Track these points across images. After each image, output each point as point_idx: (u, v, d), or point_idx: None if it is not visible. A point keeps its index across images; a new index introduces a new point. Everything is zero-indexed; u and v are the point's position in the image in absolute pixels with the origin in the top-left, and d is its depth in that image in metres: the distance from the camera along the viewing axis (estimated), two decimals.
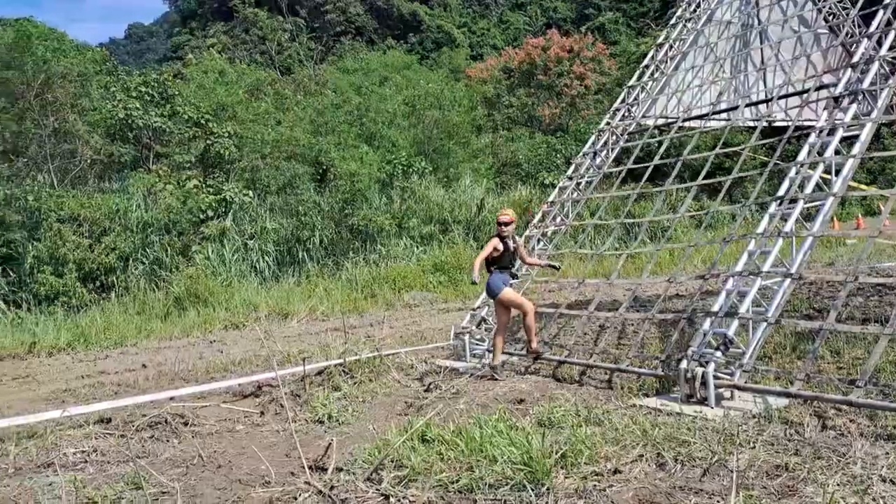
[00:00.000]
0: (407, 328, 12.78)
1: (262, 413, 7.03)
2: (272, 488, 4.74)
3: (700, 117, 11.23)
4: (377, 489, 4.38)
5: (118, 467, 5.55)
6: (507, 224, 8.28)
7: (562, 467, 4.47)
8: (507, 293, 8.17)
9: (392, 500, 4.20)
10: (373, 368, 8.26)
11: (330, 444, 5.10)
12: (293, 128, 22.20)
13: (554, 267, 9.09)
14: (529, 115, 34.19)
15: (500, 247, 8.20)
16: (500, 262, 8.24)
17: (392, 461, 4.77)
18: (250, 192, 18.96)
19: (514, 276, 8.59)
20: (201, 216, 17.47)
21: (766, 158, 16.52)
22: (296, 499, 4.48)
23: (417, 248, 19.25)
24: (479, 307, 9.61)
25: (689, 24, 11.82)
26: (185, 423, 6.63)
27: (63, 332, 13.19)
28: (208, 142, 19.29)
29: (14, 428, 6.84)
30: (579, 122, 31.40)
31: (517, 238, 8.59)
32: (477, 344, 9.09)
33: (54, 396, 8.87)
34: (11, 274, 15.53)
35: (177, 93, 19.56)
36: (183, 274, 15.54)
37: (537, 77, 34.52)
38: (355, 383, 7.87)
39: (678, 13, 12.04)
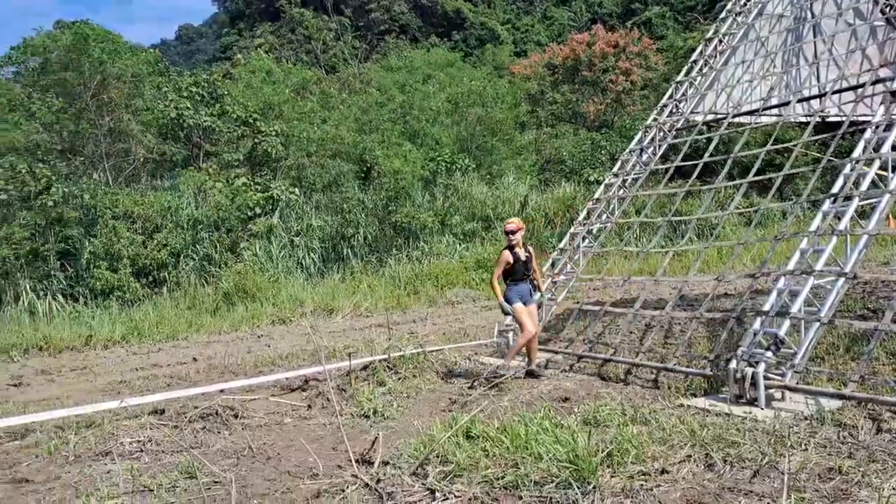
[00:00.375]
0: (450, 325, 12.83)
1: (310, 406, 7.16)
2: (320, 480, 4.83)
3: (750, 113, 10.97)
4: (423, 484, 4.42)
5: (172, 457, 5.73)
6: (513, 233, 7.87)
7: (608, 466, 4.45)
8: (517, 309, 7.75)
9: (438, 494, 4.24)
10: (417, 365, 8.33)
11: (376, 438, 5.18)
12: (338, 126, 22.44)
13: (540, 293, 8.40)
14: (574, 112, 33.88)
15: (511, 258, 7.87)
16: (514, 275, 7.89)
17: (437, 456, 4.82)
18: (296, 190, 19.25)
19: (534, 288, 8.08)
20: (249, 213, 17.82)
21: (818, 155, 16.06)
22: (343, 491, 4.56)
23: (460, 245, 19.29)
24: None
25: (739, 18, 11.56)
26: (235, 416, 6.79)
27: (118, 325, 13.62)
28: (256, 140, 19.65)
29: (73, 417, 7.11)
30: (625, 118, 30.98)
31: (529, 247, 8.18)
32: None
33: (110, 388, 9.18)
34: (69, 269, 16.10)
35: (226, 92, 19.98)
36: (231, 270, 15.88)
37: (582, 73, 34.18)
38: (399, 379, 7.95)
39: (728, 7, 11.78)
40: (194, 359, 10.93)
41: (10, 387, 9.66)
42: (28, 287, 14.94)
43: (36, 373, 10.66)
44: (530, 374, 7.93)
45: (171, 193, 18.04)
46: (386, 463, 4.95)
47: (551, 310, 9.81)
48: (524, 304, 7.81)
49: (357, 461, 4.94)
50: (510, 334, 8.95)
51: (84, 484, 5.15)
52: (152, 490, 4.84)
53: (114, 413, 7.22)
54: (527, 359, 8.06)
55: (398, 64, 36.02)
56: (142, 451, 5.89)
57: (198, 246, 17.11)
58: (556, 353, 8.68)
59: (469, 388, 7.35)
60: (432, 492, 4.29)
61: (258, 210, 18.06)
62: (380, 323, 13.13)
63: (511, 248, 7.87)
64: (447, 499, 4.18)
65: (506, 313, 7.90)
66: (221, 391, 8.06)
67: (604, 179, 11.17)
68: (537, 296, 8.14)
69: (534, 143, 29.88)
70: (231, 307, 15.04)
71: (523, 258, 7.90)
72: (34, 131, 17.59)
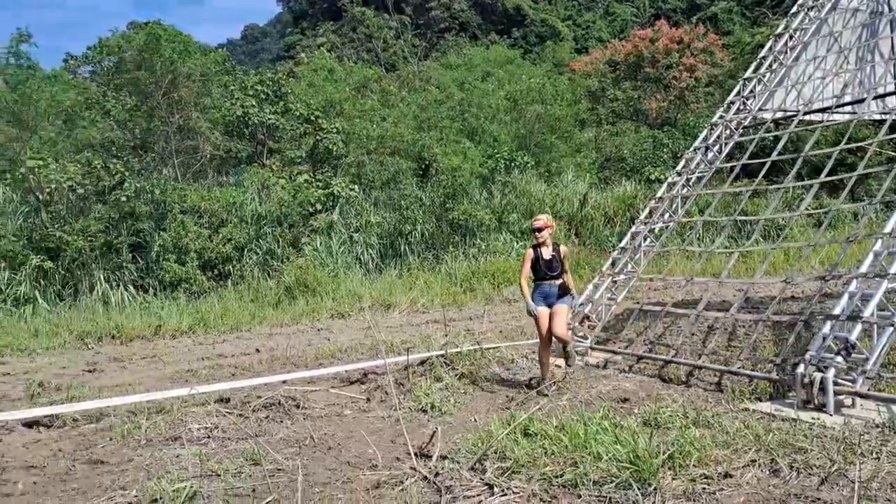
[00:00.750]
0: (506, 323, 12.82)
1: (369, 399, 7.28)
2: (379, 472, 4.92)
3: (822, 111, 10.59)
4: (481, 479, 4.46)
5: (237, 444, 5.92)
6: (539, 230, 7.42)
7: (669, 468, 4.39)
8: (540, 312, 7.35)
9: (496, 490, 4.26)
10: (473, 361, 8.37)
11: (435, 432, 5.24)
12: (397, 124, 22.65)
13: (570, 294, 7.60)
14: (635, 109, 33.29)
15: (533, 256, 7.46)
16: (536, 275, 7.46)
17: (495, 452, 4.84)
18: (356, 187, 19.53)
19: (564, 291, 7.40)
20: (310, 209, 18.17)
21: (894, 154, 15.38)
22: (402, 483, 4.64)
23: (517, 242, 19.22)
24: (582, 304, 9.52)
25: (811, 13, 11.16)
26: (297, 406, 6.97)
27: (185, 316, 14.08)
28: (318, 138, 20.01)
29: (145, 403, 7.41)
30: (688, 115, 30.28)
31: (561, 246, 7.59)
32: (579, 341, 9.01)
33: (178, 376, 9.52)
34: (140, 261, 16.74)
35: (289, 91, 20.43)
36: (293, 264, 16.23)
37: (644, 69, 33.55)
38: (456, 375, 8.00)
39: (800, 1, 11.38)
40: (257, 350, 11.23)
41: (86, 372, 10.11)
42: (102, 278, 15.60)
43: (109, 360, 11.12)
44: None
45: (235, 189, 18.54)
46: (444, 457, 5.01)
47: (611, 309, 9.70)
48: (548, 306, 7.34)
49: (416, 454, 5.01)
50: (568, 332, 8.88)
51: (155, 467, 5.37)
52: (219, 475, 5.02)
53: (182, 400, 7.49)
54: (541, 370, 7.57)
55: (457, 61, 36.11)
56: (209, 437, 6.10)
57: (261, 241, 17.54)
58: (616, 353, 8.58)
59: (527, 385, 7.34)
60: (490, 487, 4.32)
61: (319, 206, 18.40)
62: (436, 319, 13.23)
63: (536, 246, 7.49)
64: (505, 494, 4.21)
65: (529, 314, 7.45)
66: (284, 382, 8.26)
67: (666, 178, 10.96)
68: (567, 300, 7.41)
69: (593, 141, 29.52)
70: (292, 301, 15.38)
71: (547, 257, 7.40)
72: (109, 128, 18.37)
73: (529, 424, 5.30)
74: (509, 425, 5.24)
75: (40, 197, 16.26)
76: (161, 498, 4.59)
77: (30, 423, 6.77)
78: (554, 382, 7.31)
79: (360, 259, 18.23)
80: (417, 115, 24.44)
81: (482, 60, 34.75)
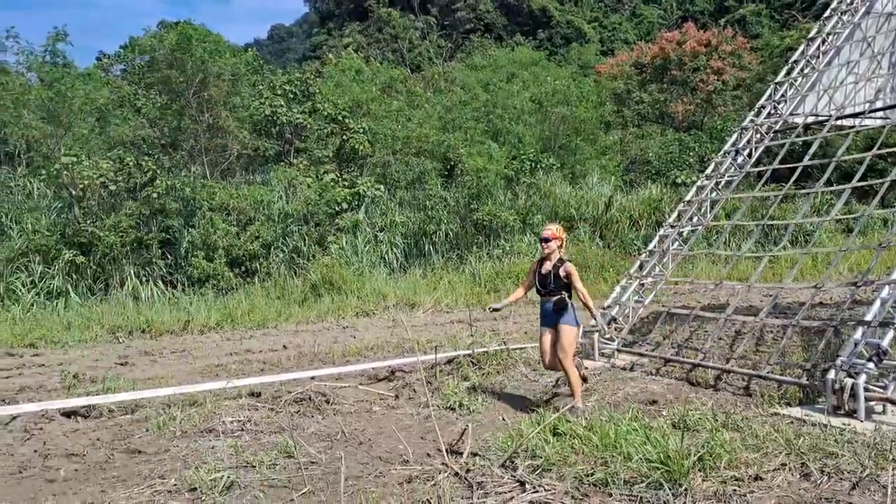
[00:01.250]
0: (531, 324, 12.83)
1: (397, 396, 7.37)
2: (411, 467, 5.00)
3: (854, 116, 10.50)
4: (513, 476, 4.52)
5: (270, 437, 6.04)
6: (545, 241, 6.81)
7: (699, 470, 4.43)
8: (541, 331, 6.90)
9: (527, 487, 4.33)
10: (500, 361, 8.44)
11: (465, 429, 5.32)
12: (422, 124, 22.77)
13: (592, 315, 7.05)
14: (661, 112, 33.12)
15: (535, 269, 6.99)
16: (538, 288, 6.87)
17: (525, 451, 4.91)
18: (381, 187, 19.66)
19: (560, 307, 6.69)
20: (336, 208, 18.33)
21: None
22: (433, 478, 4.72)
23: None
24: (608, 306, 9.53)
25: (844, 17, 11.06)
26: (327, 401, 7.08)
27: (213, 312, 14.29)
28: (344, 137, 20.18)
29: (178, 396, 7.56)
30: (715, 119, 30.05)
31: (566, 263, 6.76)
32: (605, 343, 9.03)
33: (208, 370, 9.69)
34: (169, 257, 17.00)
35: (317, 91, 20.61)
36: (319, 262, 16.39)
37: (671, 72, 33.35)
38: (483, 374, 8.07)
39: (833, 5, 11.27)
40: (284, 346, 11.37)
41: (118, 365, 10.32)
42: (132, 273, 15.89)
43: (140, 353, 11.34)
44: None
45: (263, 188, 18.75)
46: (475, 454, 5.08)
47: (637, 312, 9.70)
48: (550, 325, 6.80)
49: (447, 451, 5.08)
50: (595, 335, 8.92)
51: (191, 457, 5.51)
52: (254, 466, 5.14)
53: (214, 393, 7.65)
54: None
55: (482, 63, 36.15)
56: (242, 429, 6.23)
57: (287, 238, 17.73)
58: (643, 355, 8.59)
59: (553, 386, 7.38)
60: (522, 484, 4.39)
61: (345, 205, 18.56)
62: (460, 319, 13.30)
63: (543, 258, 6.90)
64: (537, 491, 4.27)
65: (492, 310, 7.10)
66: (312, 378, 8.38)
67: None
68: (567, 318, 6.68)
69: (619, 144, 29.41)
70: (318, 298, 15.53)
71: (544, 271, 6.78)
72: (140, 126, 18.68)
73: (559, 424, 5.36)
74: (538, 424, 5.29)
75: (73, 193, 16.59)
76: (199, 487, 4.72)
77: (68, 413, 6.96)
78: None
79: (384, 258, 18.36)
80: (442, 116, 24.53)
81: (507, 62, 34.76)
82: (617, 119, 32.17)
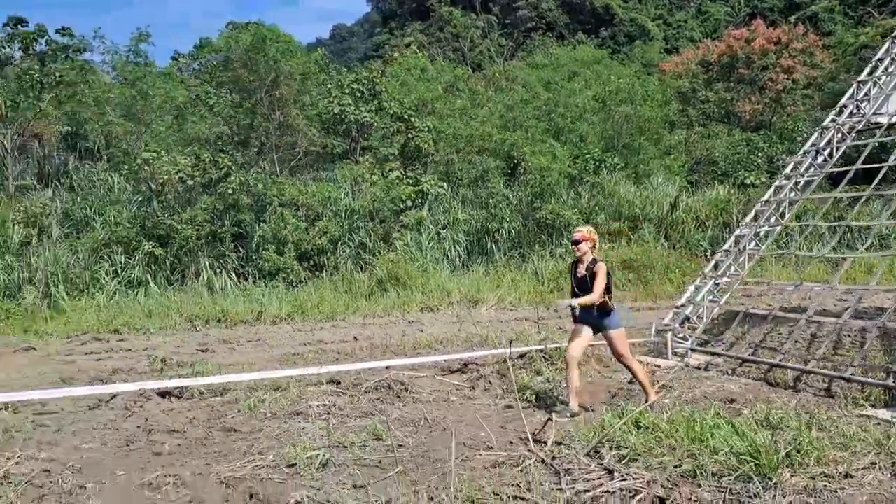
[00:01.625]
0: None
1: (473, 388, 7.54)
2: (496, 453, 5.15)
3: None
4: (600, 464, 4.63)
5: (355, 421, 6.28)
6: (576, 243, 6.63)
7: (787, 466, 4.44)
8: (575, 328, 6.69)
9: (616, 475, 4.42)
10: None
11: (548, 419, 5.44)
12: (484, 123, 22.88)
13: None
14: (727, 111, 32.38)
15: (572, 271, 6.89)
16: (575, 292, 6.71)
17: (609, 442, 5.00)
18: (445, 184, 19.87)
19: (603, 313, 6.54)
20: (401, 206, 18.63)
21: None
22: (519, 464, 4.86)
23: (605, 244, 19.11)
24: (682, 305, 9.49)
25: None
26: (405, 390, 7.30)
27: (284, 304, 14.74)
28: (409, 136, 20.48)
29: (262, 381, 7.91)
30: (784, 118, 29.24)
31: (599, 263, 6.56)
32: (679, 343, 8.99)
33: (285, 358, 10.04)
34: (241, 250, 17.59)
35: (383, 89, 20.97)
36: (384, 258, 16.70)
37: (738, 71, 32.57)
38: (556, 369, 8.15)
39: None
40: (355, 338, 11.68)
41: (199, 352, 10.81)
42: (207, 265, 16.51)
43: (218, 341, 11.82)
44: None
45: (330, 184, 19.19)
46: (559, 443, 5.19)
47: (712, 311, 9.61)
48: (578, 322, 6.62)
49: (531, 439, 5.21)
50: (668, 334, 8.90)
51: (284, 437, 5.79)
52: (346, 447, 5.38)
53: (296, 379, 7.96)
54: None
55: (543, 61, 36.02)
56: (329, 413, 6.49)
57: (354, 234, 18.11)
58: (718, 355, 8.53)
59: (629, 382, 7.42)
60: (610, 472, 4.49)
61: (409, 202, 18.84)
62: (525, 317, 13.36)
63: (576, 261, 6.76)
64: (625, 479, 4.36)
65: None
66: (387, 368, 8.61)
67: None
68: (610, 321, 6.56)
69: (684, 143, 28.90)
70: (384, 293, 15.83)
71: (579, 275, 6.62)
72: (216, 124, 19.36)
73: (641, 417, 5.42)
74: (621, 417, 5.37)
75: (153, 187, 17.35)
76: (297, 463, 4.98)
77: (163, 393, 7.37)
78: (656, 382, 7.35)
79: (447, 255, 18.55)
80: (503, 115, 24.59)
81: (569, 60, 34.54)
82: (682, 118, 31.59)
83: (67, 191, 18.69)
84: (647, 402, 6.23)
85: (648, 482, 4.29)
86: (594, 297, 6.43)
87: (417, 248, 17.91)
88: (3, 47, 19.41)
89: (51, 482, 4.67)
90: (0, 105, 17.14)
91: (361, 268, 17.13)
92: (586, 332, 6.62)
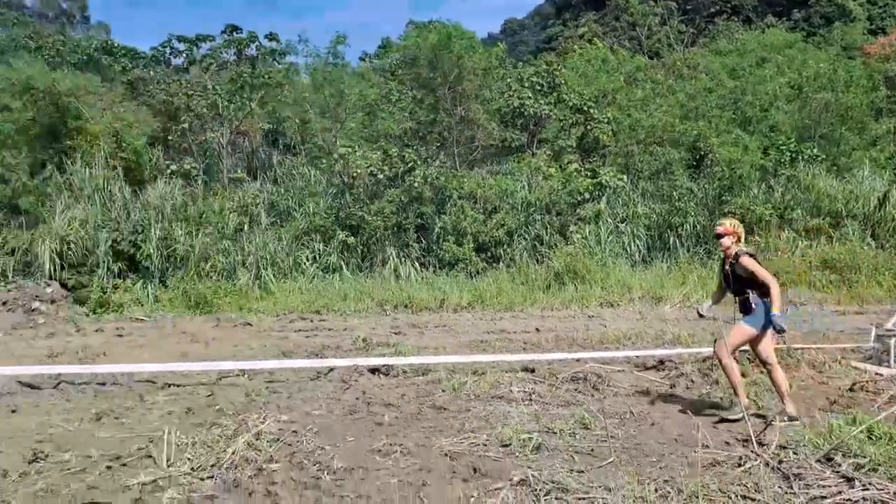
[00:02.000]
0: (799, 326, 11.99)
1: (672, 386, 7.37)
2: (714, 451, 5.03)
3: None
4: (836, 471, 4.38)
5: (557, 409, 6.40)
6: (718, 237, 6.40)
7: None
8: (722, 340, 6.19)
9: (856, 484, 4.17)
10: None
11: (770, 420, 5.23)
12: (666, 113, 22.03)
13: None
14: None
15: (720, 268, 6.62)
16: (726, 289, 6.50)
17: (841, 449, 4.71)
18: (624, 177, 19.43)
19: (745, 310, 6.16)
20: (578, 198, 18.48)
21: None
22: (740, 465, 4.72)
23: (802, 241, 17.74)
24: None
25: None
26: (603, 383, 7.30)
27: (465, 292, 15.21)
28: (587, 127, 20.24)
29: (458, 365, 8.27)
30: None
31: (742, 257, 6.16)
32: None
33: (473, 344, 10.39)
34: (423, 241, 18.37)
35: (562, 81, 20.88)
36: (562, 251, 16.67)
37: None
38: (762, 372, 7.75)
39: None
40: (537, 329, 11.81)
41: (392, 334, 11.47)
42: (393, 254, 17.42)
43: (408, 325, 12.47)
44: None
45: (507, 177, 19.45)
46: (783, 447, 4.97)
47: None
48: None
49: (755, 440, 5.04)
50: (892, 340, 8.14)
51: (492, 418, 6.03)
52: (555, 433, 5.51)
53: (489, 365, 8.24)
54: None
55: (728, 47, 34.03)
56: (531, 400, 6.67)
57: (530, 227, 18.24)
58: None
59: (849, 389, 6.91)
60: (848, 480, 4.24)
61: (587, 195, 18.65)
62: (714, 316, 12.75)
63: (724, 257, 6.46)
64: (867, 489, 4.11)
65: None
66: (577, 360, 8.64)
67: None
68: (747, 319, 6.14)
69: (892, 133, 26.00)
70: (561, 286, 15.83)
71: (726, 271, 6.41)
72: (403, 120, 20.31)
73: (874, 427, 5.05)
74: (854, 424, 5.04)
75: (346, 180, 18.57)
76: (511, 443, 5.18)
77: (372, 370, 7.94)
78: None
79: (626, 250, 18.15)
80: (684, 104, 23.52)
81: (757, 45, 32.35)
82: (890, 105, 28.42)
83: (272, 183, 20.50)
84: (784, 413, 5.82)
85: (893, 493, 4.01)
86: (774, 288, 5.98)
87: (596, 242, 17.70)
88: (221, 52, 21.70)
89: (298, 441, 5.23)
90: (218, 104, 19.13)
91: (538, 260, 17.23)
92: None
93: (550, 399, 6.70)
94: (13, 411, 6.28)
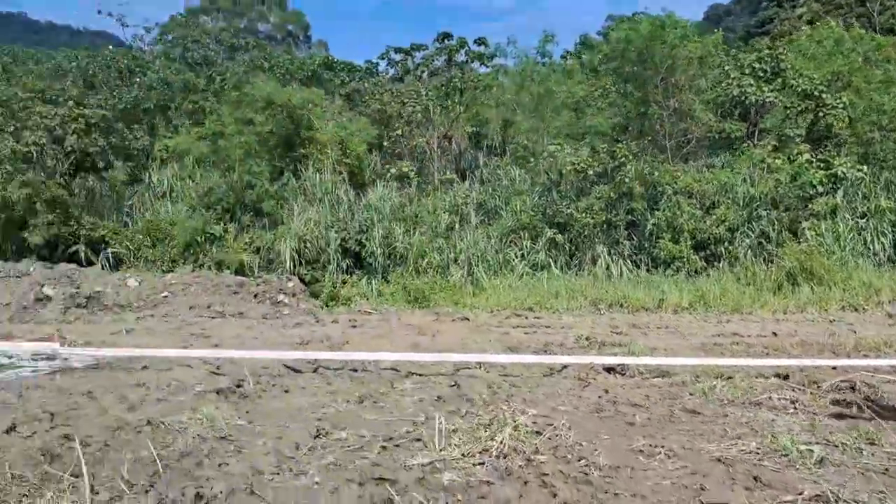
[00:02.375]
0: None
1: None
2: None
3: None
4: None
5: (828, 420, 5.80)
6: None
7: None
8: None
9: None
10: None
11: None
12: None
13: None
14: None
15: None
16: None
17: None
18: (864, 167, 17.38)
19: None
20: (810, 192, 16.85)
21: None
22: None
23: None
24: None
25: None
26: (876, 394, 6.52)
27: (685, 293, 14.46)
28: (818, 114, 18.39)
29: (699, 367, 7.82)
30: None
31: None
32: None
33: (706, 348, 9.76)
34: (634, 238, 17.78)
35: (788, 66, 19.14)
36: (793, 249, 15.28)
37: None
38: None
39: None
40: (774, 333, 10.89)
41: (613, 333, 11.15)
42: (603, 252, 17.06)
43: (627, 325, 12.06)
44: None
45: (726, 170, 18.23)
46: None
47: None
48: None
49: None
50: None
51: (755, 425, 5.61)
52: (836, 446, 4.99)
53: (733, 369, 7.70)
54: None
55: None
56: (794, 408, 6.12)
57: (753, 223, 16.94)
58: None
59: None
60: None
61: (819, 189, 16.93)
62: None
63: None
64: None
65: None
66: (833, 367, 7.81)
67: None
68: None
69: None
70: (794, 287, 14.50)
71: None
72: (612, 115, 19.85)
73: None
74: None
75: (552, 178, 18.51)
76: (789, 454, 4.77)
77: (608, 369, 7.77)
78: None
79: (869, 248, 16.23)
80: None
81: None
82: None
83: (479, 183, 21.02)
84: None
85: None
86: None
87: (833, 240, 16.01)
88: (433, 60, 22.68)
89: (556, 435, 5.22)
90: (430, 109, 20.00)
91: (764, 259, 15.94)
92: None
93: (818, 409, 6.10)
94: (286, 391, 6.94)
